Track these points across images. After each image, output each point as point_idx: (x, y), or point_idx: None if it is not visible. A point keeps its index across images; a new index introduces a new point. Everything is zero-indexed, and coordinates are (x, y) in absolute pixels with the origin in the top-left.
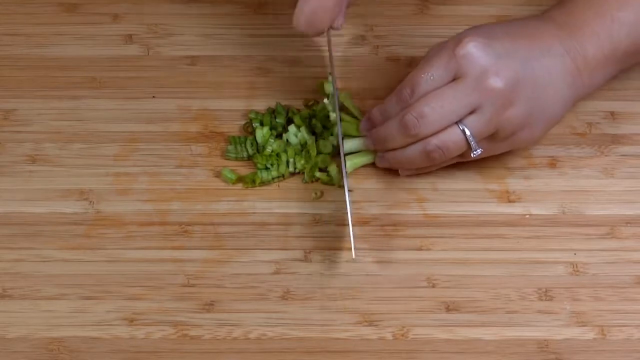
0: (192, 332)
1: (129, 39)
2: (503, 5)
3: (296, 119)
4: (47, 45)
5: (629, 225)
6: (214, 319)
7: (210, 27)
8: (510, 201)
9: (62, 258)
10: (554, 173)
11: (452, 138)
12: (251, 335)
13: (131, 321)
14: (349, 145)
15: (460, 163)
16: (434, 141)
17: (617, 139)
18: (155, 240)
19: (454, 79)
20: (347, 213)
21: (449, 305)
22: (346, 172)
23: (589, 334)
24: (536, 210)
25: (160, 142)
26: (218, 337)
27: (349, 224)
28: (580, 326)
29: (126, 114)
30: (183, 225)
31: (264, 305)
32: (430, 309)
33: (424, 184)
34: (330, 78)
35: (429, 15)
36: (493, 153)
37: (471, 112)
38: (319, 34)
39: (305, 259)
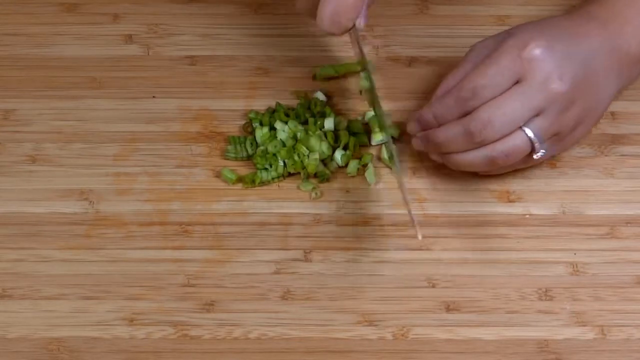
0: (192, 332)
1: (129, 39)
2: (503, 5)
3: (279, 114)
4: (47, 45)
5: (629, 225)
6: (214, 319)
7: (210, 27)
8: (510, 201)
9: (62, 258)
10: (554, 173)
11: (516, 142)
12: (251, 335)
13: (131, 321)
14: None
15: None
16: (499, 147)
17: (617, 139)
18: (155, 240)
19: (517, 81)
20: (405, 200)
21: (449, 305)
22: (398, 160)
23: (589, 334)
24: (536, 210)
25: (160, 142)
26: (218, 337)
27: (409, 210)
28: (580, 326)
29: (126, 114)
30: (183, 225)
31: (264, 305)
32: (430, 309)
33: (424, 184)
34: (363, 74)
35: (429, 15)
36: (553, 153)
37: (535, 115)
38: (344, 32)
39: (305, 259)
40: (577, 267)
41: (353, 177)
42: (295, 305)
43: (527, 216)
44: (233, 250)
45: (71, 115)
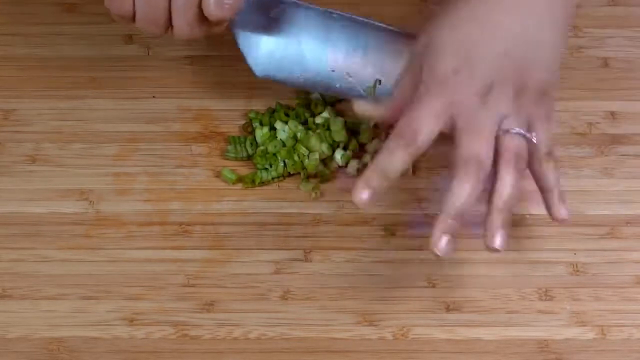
0: (192, 332)
1: (129, 39)
2: None
3: (279, 114)
4: (47, 45)
5: (629, 225)
6: (214, 319)
7: None
8: None
9: (62, 258)
10: None
11: (515, 143)
12: (251, 335)
13: (131, 321)
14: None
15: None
16: (513, 152)
17: (617, 139)
18: (155, 240)
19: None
20: None
21: (449, 305)
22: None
23: (589, 334)
24: (536, 210)
25: (160, 142)
26: (218, 337)
27: None
28: (580, 326)
29: (126, 114)
30: (183, 225)
31: (264, 305)
32: (430, 309)
33: (424, 184)
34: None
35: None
36: (549, 117)
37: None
38: (231, 14)
39: (305, 259)
40: (577, 267)
41: (353, 176)
42: (295, 305)
43: (527, 216)
44: (233, 250)
45: (71, 115)
